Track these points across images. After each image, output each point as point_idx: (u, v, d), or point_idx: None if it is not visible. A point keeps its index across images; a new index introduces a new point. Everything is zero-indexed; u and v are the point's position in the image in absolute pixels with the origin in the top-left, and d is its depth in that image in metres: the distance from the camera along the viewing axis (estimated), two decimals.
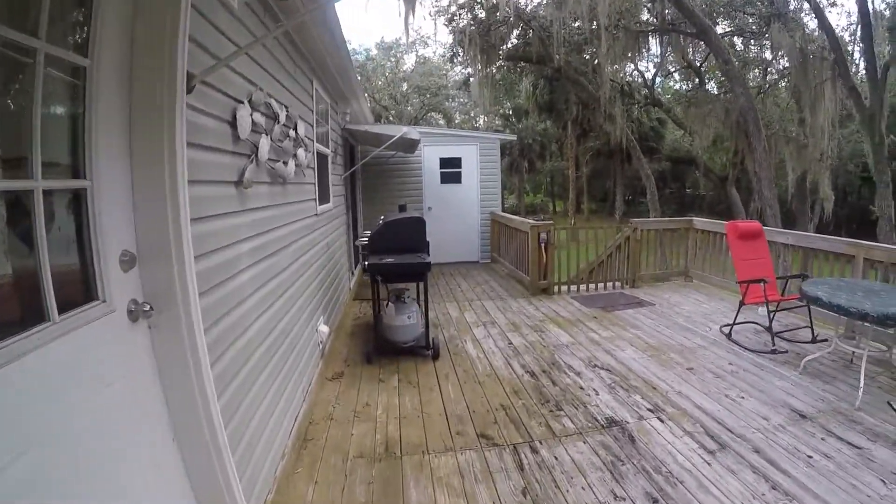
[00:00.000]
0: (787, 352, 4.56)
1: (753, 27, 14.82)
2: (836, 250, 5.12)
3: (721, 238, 6.85)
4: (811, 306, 4.19)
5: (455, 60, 19.67)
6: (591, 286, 7.39)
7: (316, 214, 4.51)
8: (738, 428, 3.25)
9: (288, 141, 3.17)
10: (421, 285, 4.79)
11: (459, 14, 16.88)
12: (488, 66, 17.06)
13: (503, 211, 10.34)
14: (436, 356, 4.63)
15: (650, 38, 15.76)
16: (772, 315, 4.75)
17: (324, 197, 5.01)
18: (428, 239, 4.91)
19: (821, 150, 13.32)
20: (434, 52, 33.45)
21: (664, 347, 4.82)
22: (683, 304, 6.37)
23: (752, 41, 16.13)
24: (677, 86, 24.73)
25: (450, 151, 9.90)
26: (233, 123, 2.33)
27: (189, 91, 1.85)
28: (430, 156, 9.77)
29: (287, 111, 3.28)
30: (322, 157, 5.05)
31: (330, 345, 5.00)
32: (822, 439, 3.07)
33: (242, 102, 2.43)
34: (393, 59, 31.31)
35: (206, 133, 2.07)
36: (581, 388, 3.98)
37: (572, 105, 21.21)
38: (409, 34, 16.77)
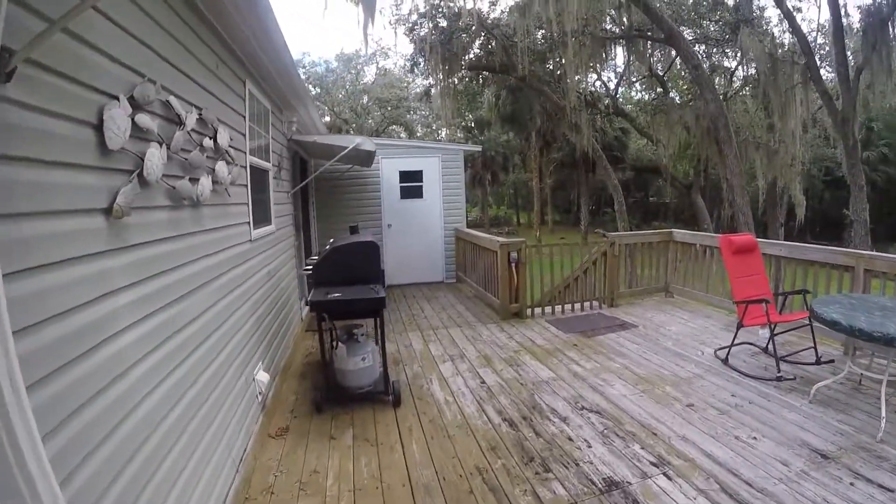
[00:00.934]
0: (793, 378, 4.10)
1: (717, 35, 14.79)
2: (833, 262, 4.73)
3: (703, 251, 6.44)
4: (825, 328, 3.71)
5: (416, 70, 19.20)
6: (567, 307, 6.83)
7: (250, 240, 3.79)
8: (758, 480, 2.78)
9: (198, 151, 2.48)
10: (377, 320, 4.12)
11: (420, 23, 16.44)
12: (450, 76, 16.63)
13: (467, 224, 9.76)
14: (397, 402, 3.95)
15: (615, 45, 15.57)
16: (773, 337, 4.29)
17: (262, 219, 4.29)
18: (387, 260, 4.30)
19: (792, 154, 13.22)
20: (395, 64, 33.06)
21: (657, 379, 4.28)
22: (669, 323, 5.89)
23: (714, 48, 16.12)
24: (638, 95, 24.85)
25: (410, 164, 9.24)
26: (98, 127, 1.66)
27: (7, 78, 1.22)
28: (388, 169, 9.11)
29: (200, 113, 2.60)
30: (260, 172, 4.35)
31: (275, 390, 4.29)
32: (851, 484, 2.70)
33: (116, 98, 1.76)
34: (353, 72, 30.69)
35: (42, 141, 1.39)
36: (570, 438, 3.38)
37: (536, 115, 20.96)
38: (368, 44, 16.27)
